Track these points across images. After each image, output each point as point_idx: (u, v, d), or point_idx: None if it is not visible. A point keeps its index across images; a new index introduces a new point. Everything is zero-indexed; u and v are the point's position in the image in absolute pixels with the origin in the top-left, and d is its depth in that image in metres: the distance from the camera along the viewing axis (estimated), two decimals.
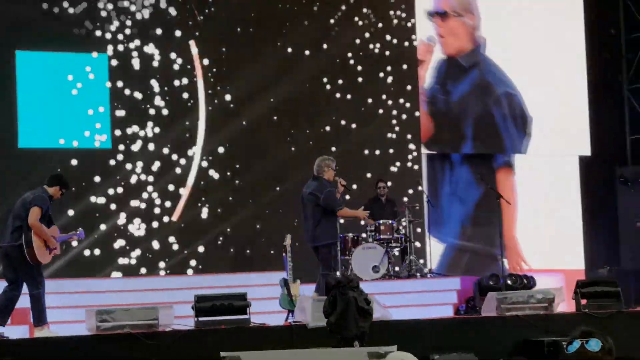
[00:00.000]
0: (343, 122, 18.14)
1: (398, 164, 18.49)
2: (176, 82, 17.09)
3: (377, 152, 18.32)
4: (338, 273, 13.35)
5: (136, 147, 16.75)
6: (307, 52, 17.98)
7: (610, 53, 21.13)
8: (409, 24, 18.90)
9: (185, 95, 17.15)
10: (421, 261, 16.82)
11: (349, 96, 18.24)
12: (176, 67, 17.11)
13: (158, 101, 16.92)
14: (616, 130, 21.03)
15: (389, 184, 17.40)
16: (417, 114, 18.69)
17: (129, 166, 16.69)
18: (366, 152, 18.26)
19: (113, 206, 16.51)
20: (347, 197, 15.00)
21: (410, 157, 18.58)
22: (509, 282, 16.35)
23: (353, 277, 10.70)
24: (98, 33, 16.60)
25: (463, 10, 19.30)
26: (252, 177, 17.39)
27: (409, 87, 18.69)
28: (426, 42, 18.93)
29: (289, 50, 17.83)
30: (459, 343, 11.28)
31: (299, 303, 11.87)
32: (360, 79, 18.37)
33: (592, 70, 20.40)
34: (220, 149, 17.28)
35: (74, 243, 15.34)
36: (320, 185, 12.88)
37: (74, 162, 16.24)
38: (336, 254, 13.27)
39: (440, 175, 19.00)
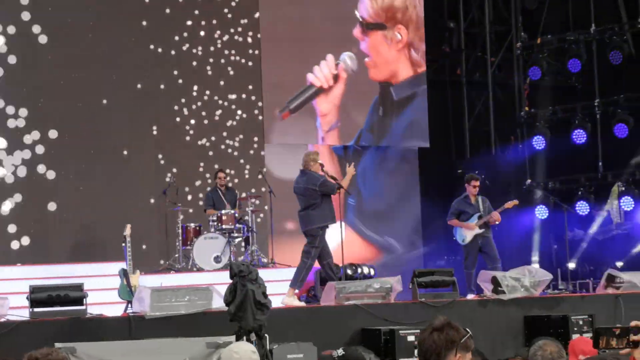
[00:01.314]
0: (186, 112, 18.05)
1: (244, 155, 18.50)
2: None
3: (223, 142, 18.29)
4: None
5: None
6: (154, 47, 17.84)
7: (450, 46, 21.54)
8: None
9: None
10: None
11: (195, 87, 18.18)
12: None
13: None
14: (455, 123, 21.44)
15: (231, 172, 17.37)
16: (260, 104, 18.75)
17: None
18: (208, 143, 18.20)
19: None
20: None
21: (254, 148, 18.60)
22: (348, 271, 16.53)
23: (254, 269, 10.71)
24: None
25: None
26: (89, 167, 17.16)
27: (250, 85, 18.72)
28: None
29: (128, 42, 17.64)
30: (298, 332, 11.33)
31: (137, 293, 11.74)
32: (206, 70, 18.31)
33: (431, 62, 20.74)
34: (53, 134, 16.96)
35: None
36: (311, 178, 13.27)
37: None
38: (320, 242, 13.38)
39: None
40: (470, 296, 13.70)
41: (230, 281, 10.62)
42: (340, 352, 7.75)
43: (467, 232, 15.05)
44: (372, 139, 19.90)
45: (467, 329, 4.39)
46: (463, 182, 20.45)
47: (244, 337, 10.26)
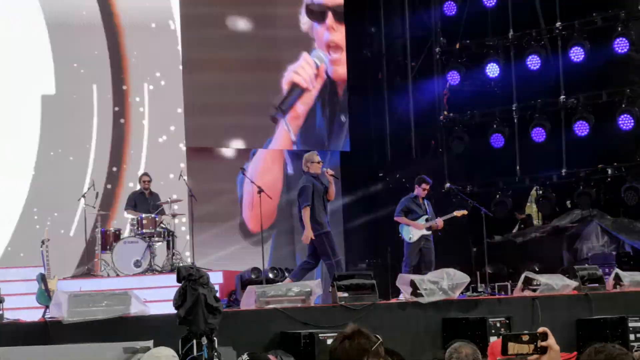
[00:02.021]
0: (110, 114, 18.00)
1: (165, 158, 18.44)
2: None
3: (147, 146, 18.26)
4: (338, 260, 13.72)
5: None
6: None
7: (371, 51, 21.66)
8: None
9: None
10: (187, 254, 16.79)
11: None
12: None
13: None
14: (376, 127, 21.56)
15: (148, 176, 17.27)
16: (179, 110, 18.69)
17: None
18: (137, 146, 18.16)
19: None
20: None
21: (175, 151, 18.55)
22: (270, 275, 16.53)
23: (204, 272, 10.68)
24: None
25: None
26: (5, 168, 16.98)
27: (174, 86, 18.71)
28: None
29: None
30: (218, 336, 11.29)
31: (55, 298, 11.61)
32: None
33: (353, 67, 20.84)
34: None
35: None
36: (301, 181, 13.52)
37: None
38: (330, 242, 13.66)
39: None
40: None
41: (179, 285, 10.61)
42: (245, 357, 7.78)
43: (414, 231, 15.19)
44: (301, 143, 20.01)
45: (378, 336, 4.41)
46: (383, 185, 20.72)
47: (194, 341, 10.27)
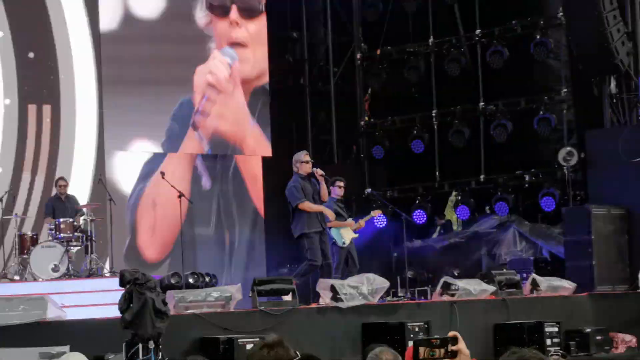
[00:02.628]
0: None
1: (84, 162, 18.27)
2: None
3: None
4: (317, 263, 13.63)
5: None
6: None
7: (293, 56, 21.69)
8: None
9: None
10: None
11: None
12: None
13: None
14: (298, 132, 21.59)
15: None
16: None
17: None
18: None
19: None
20: None
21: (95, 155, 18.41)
22: (190, 280, 16.41)
23: (150, 277, 10.59)
24: None
25: None
26: None
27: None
28: None
29: None
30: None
31: None
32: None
33: (275, 72, 20.84)
34: None
35: None
36: (289, 182, 13.47)
37: None
38: (311, 245, 13.59)
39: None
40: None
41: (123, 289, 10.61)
42: None
43: (345, 235, 15.19)
44: (220, 147, 19.91)
45: (298, 352, 4.43)
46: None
47: (139, 345, 10.25)
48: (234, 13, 20.03)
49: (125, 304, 10.31)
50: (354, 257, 15.22)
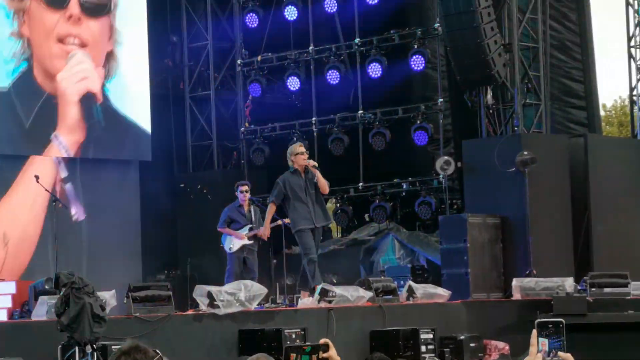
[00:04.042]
0: None
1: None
2: None
3: None
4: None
5: None
6: None
7: (173, 60, 21.54)
8: None
9: None
10: None
11: None
12: None
13: None
14: (178, 137, 21.45)
15: None
16: None
17: None
18: None
19: None
20: None
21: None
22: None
23: (88, 282, 10.40)
24: None
25: None
26: None
27: None
28: None
29: None
30: (9, 347, 10.99)
31: None
32: None
33: (154, 76, 20.65)
34: None
35: None
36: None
37: None
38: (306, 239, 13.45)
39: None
40: None
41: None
42: None
43: (235, 241, 15.09)
44: (93, 150, 19.57)
45: (157, 351, 4.38)
46: (183, 196, 20.61)
47: (76, 348, 10.27)
48: (72, 8, 19.07)
49: (61, 307, 10.37)
50: (250, 265, 15.24)
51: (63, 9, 18.96)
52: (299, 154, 13.70)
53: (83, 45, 19.17)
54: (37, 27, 18.69)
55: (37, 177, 15.47)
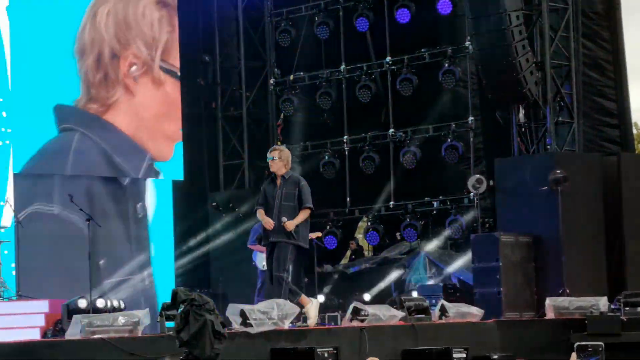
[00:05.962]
0: None
1: None
2: None
3: None
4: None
5: None
6: None
7: (205, 80, 21.65)
8: None
9: None
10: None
11: None
12: None
13: None
14: (210, 156, 21.54)
15: None
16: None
17: None
18: None
19: None
20: None
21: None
22: (98, 304, 16.22)
23: (209, 299, 10.53)
24: None
25: None
26: None
27: None
28: None
29: None
30: None
31: None
32: None
33: (187, 95, 20.76)
34: None
35: None
36: None
37: None
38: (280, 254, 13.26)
39: None
40: None
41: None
42: None
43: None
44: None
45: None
46: (215, 214, 20.68)
47: None
48: None
49: (181, 323, 10.48)
50: None
51: None
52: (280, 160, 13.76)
53: None
54: None
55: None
